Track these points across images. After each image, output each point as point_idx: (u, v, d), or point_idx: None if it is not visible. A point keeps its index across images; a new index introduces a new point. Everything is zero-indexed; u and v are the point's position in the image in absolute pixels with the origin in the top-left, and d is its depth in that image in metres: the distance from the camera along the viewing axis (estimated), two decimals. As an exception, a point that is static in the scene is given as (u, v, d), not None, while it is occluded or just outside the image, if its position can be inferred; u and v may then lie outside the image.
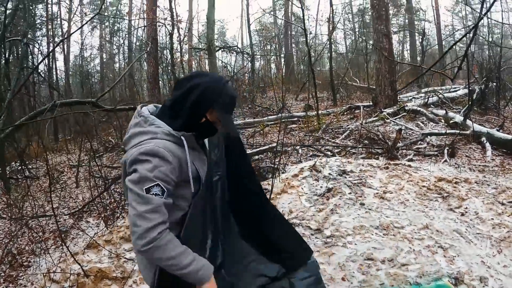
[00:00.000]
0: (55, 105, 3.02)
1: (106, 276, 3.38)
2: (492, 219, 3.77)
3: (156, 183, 1.35)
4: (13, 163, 8.24)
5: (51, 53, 12.17)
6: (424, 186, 4.64)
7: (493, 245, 3.35)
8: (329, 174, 5.15)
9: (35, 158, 8.56)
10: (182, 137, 1.47)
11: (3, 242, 4.26)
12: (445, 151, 6.21)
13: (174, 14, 13.30)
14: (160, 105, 1.61)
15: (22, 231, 4.77)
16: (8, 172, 7.37)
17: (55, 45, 12.02)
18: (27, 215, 5.06)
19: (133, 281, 3.32)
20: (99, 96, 4.29)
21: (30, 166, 8.19)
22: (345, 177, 5.04)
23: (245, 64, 16.89)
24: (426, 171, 5.17)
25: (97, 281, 3.35)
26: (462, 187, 4.61)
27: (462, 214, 3.95)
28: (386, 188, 4.67)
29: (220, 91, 1.51)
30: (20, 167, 7.55)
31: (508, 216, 3.82)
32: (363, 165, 5.44)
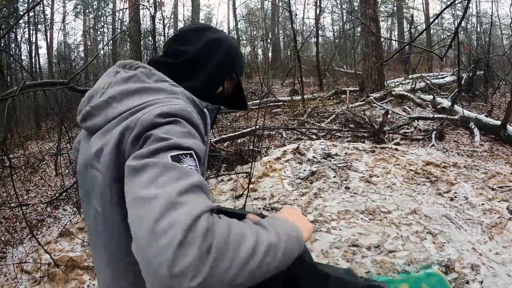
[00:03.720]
0: (24, 87, 2.73)
1: (78, 266, 3.21)
2: (483, 204, 3.59)
3: (190, 152, 0.74)
4: None
5: (13, 28, 11.54)
6: (411, 170, 4.45)
7: (484, 231, 3.16)
8: (313, 157, 4.92)
9: (15, 147, 8.29)
10: (205, 110, 0.96)
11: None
12: (433, 135, 6.03)
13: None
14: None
15: None
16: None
17: (23, 14, 11.38)
18: (1, 204, 4.80)
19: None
20: (71, 77, 3.97)
21: (11, 156, 7.91)
22: (330, 161, 4.81)
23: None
24: (413, 155, 4.97)
25: (68, 270, 3.17)
26: (451, 171, 4.43)
27: (451, 199, 3.75)
28: (372, 171, 4.46)
29: (240, 51, 1.16)
30: (0, 157, 7.27)
31: (499, 201, 3.64)
32: (348, 149, 5.23)
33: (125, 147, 0.77)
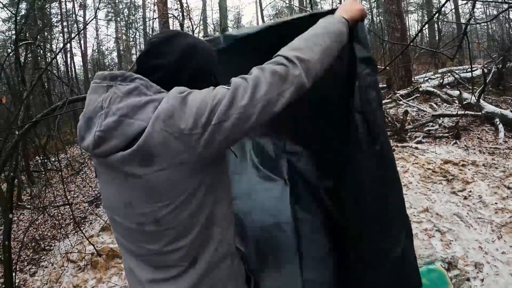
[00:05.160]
0: (66, 102, 3.10)
1: (117, 255, 3.66)
2: (496, 203, 3.66)
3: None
4: (36, 157, 8.62)
5: (62, 50, 12.41)
6: (429, 169, 4.53)
7: (494, 230, 3.25)
8: (333, 157, 5.09)
9: (56, 151, 8.92)
10: None
11: (28, 230, 4.60)
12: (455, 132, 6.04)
13: (184, 4, 13.23)
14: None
15: (45, 219, 5.10)
16: (31, 166, 7.78)
17: (65, 43, 12.19)
18: (48, 205, 5.34)
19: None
20: None
21: (52, 159, 8.56)
22: (349, 161, 4.97)
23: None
24: (433, 153, 5.04)
25: (109, 259, 3.64)
26: (469, 170, 4.48)
27: (465, 198, 3.84)
28: (390, 171, 4.58)
29: (214, 52, 1.15)
30: (43, 161, 7.91)
31: (513, 200, 3.70)
32: (369, 148, 5.35)
33: (175, 129, 0.88)
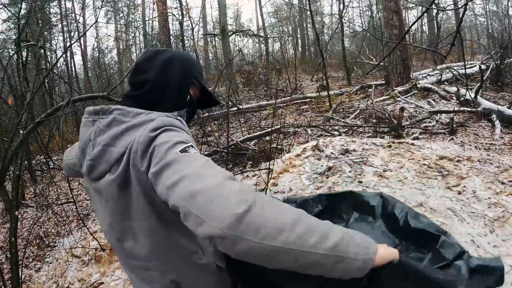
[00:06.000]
0: (69, 102, 3.18)
1: None
2: (489, 198, 3.73)
3: (190, 144, 0.97)
4: (38, 156, 8.72)
5: (65, 53, 12.57)
6: (424, 165, 4.62)
7: (486, 224, 3.33)
8: (331, 153, 5.18)
9: (57, 150, 9.02)
10: (179, 117, 1.16)
11: (32, 227, 4.72)
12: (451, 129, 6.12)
13: (183, 2, 13.31)
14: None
15: (48, 217, 5.25)
16: (34, 165, 7.90)
17: (68, 46, 12.31)
18: (52, 203, 5.45)
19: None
20: (110, 90, 4.44)
21: (54, 158, 8.66)
22: (347, 156, 5.06)
23: (260, 47, 16.75)
24: (429, 149, 5.12)
25: (112, 253, 3.74)
26: (464, 165, 4.56)
27: (459, 193, 3.92)
28: (386, 166, 4.67)
29: (193, 59, 1.31)
30: (44, 160, 8.01)
31: (507, 195, 3.77)
32: (366, 144, 5.44)
33: (138, 164, 0.98)
